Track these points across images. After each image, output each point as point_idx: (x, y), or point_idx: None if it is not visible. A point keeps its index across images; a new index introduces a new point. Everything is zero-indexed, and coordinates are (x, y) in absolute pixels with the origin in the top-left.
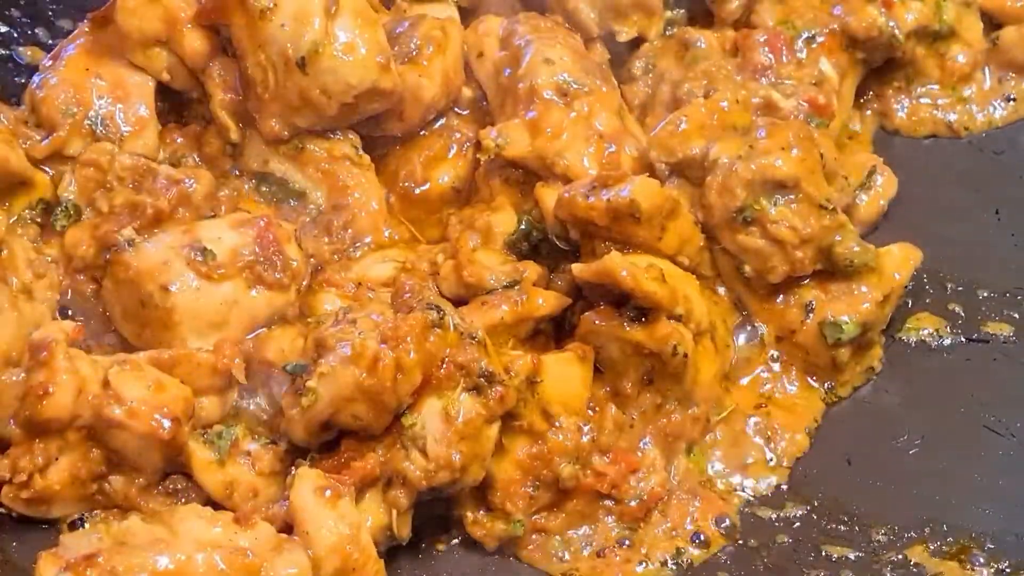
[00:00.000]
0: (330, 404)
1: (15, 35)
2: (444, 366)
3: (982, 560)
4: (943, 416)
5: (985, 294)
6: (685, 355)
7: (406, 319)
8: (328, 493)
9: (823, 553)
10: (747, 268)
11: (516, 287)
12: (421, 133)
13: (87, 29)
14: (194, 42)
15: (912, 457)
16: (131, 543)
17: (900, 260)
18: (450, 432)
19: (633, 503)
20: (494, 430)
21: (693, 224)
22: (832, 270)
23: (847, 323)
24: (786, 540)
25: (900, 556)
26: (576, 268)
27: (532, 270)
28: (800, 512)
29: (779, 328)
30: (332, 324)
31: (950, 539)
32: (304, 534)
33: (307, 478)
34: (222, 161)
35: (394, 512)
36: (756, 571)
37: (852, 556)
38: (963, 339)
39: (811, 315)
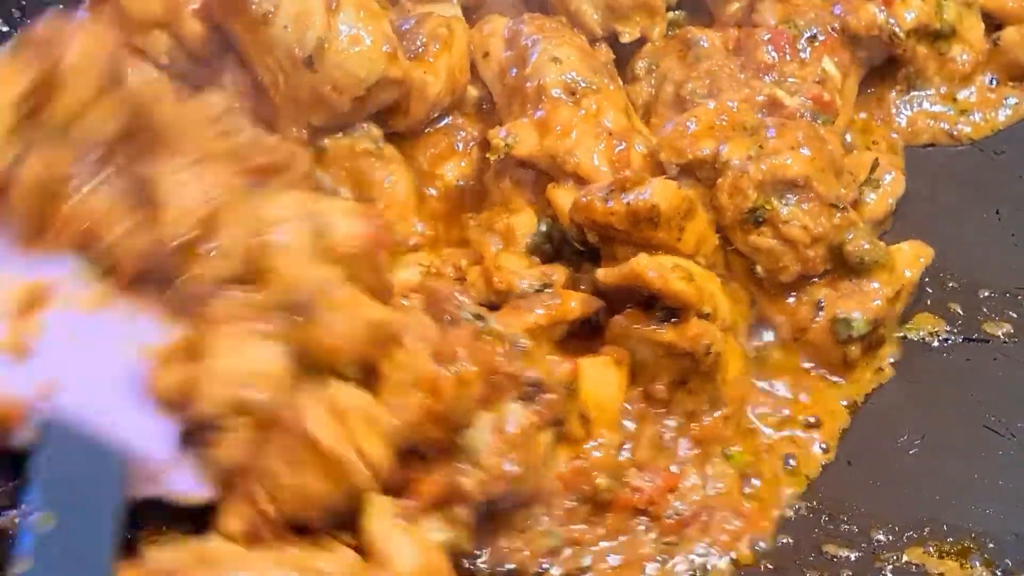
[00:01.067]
0: (402, 433)
1: (15, 35)
2: (494, 377)
3: (982, 560)
4: (943, 416)
5: (985, 294)
6: (718, 354)
7: (454, 333)
8: (402, 519)
9: (823, 553)
10: (759, 268)
11: (548, 290)
12: (426, 131)
13: (87, 9)
14: (194, 26)
15: (912, 457)
16: (210, 561)
17: (911, 257)
18: (502, 443)
19: (670, 519)
20: (546, 437)
21: (708, 224)
22: (843, 268)
23: (857, 320)
24: (786, 540)
25: (900, 556)
26: (601, 273)
27: (560, 273)
28: (800, 512)
29: (791, 327)
30: None
31: (950, 539)
32: (384, 561)
33: (380, 505)
34: None
35: (457, 529)
36: (756, 571)
37: (852, 556)
38: (963, 339)
39: (822, 313)
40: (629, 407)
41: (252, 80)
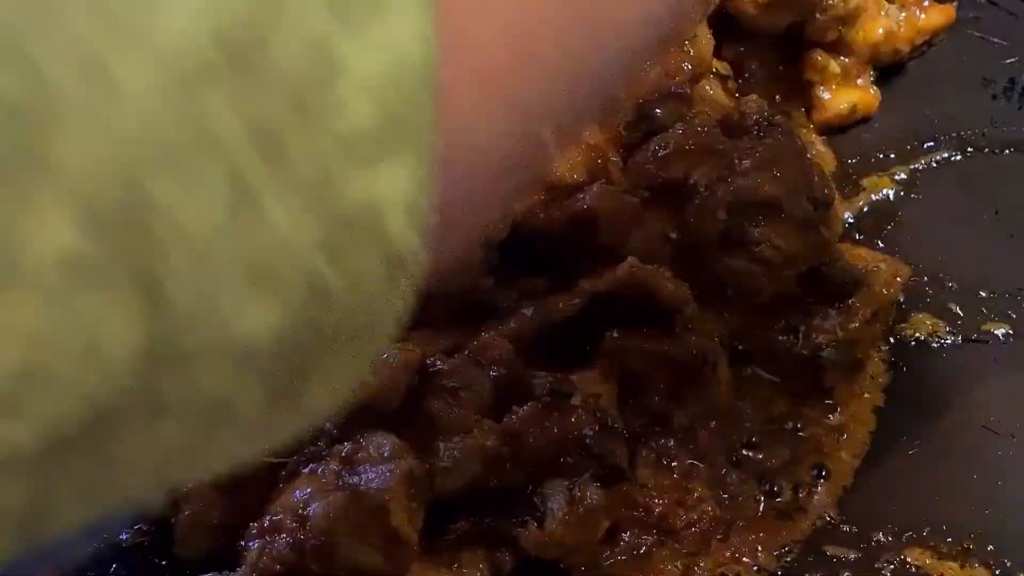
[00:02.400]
0: (453, 492)
1: None
2: (577, 453)
3: (982, 561)
4: (942, 416)
5: (985, 294)
6: (715, 364)
7: (523, 417)
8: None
9: (823, 553)
10: (730, 291)
11: (526, 300)
12: None
13: None
14: None
15: (912, 457)
16: None
17: (887, 276)
18: (570, 515)
19: (688, 533)
20: (606, 523)
21: (661, 235)
22: (817, 291)
23: (828, 348)
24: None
25: (900, 557)
26: (588, 283)
27: (532, 283)
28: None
29: (765, 353)
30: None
31: (949, 539)
32: None
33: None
34: None
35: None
36: None
37: (852, 557)
38: (962, 340)
39: (797, 339)
40: (603, 406)
41: None
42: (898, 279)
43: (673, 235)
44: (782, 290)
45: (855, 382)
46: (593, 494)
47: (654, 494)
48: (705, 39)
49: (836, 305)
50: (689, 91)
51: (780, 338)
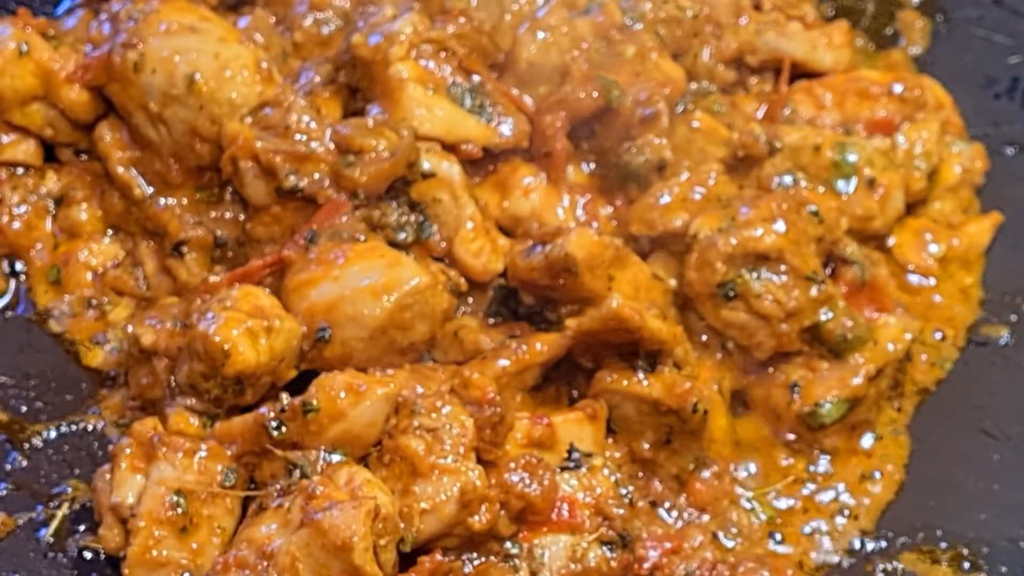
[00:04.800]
0: (429, 536)
1: None
2: (590, 518)
3: (976, 566)
4: (940, 420)
5: (984, 297)
6: (705, 412)
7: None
8: None
9: (816, 560)
10: (730, 344)
11: (513, 341)
12: None
13: None
14: (71, 93)
15: (908, 461)
16: None
17: (896, 331)
18: (568, 572)
19: None
20: None
21: (651, 276)
22: (821, 347)
23: (828, 406)
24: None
25: (893, 562)
26: (574, 322)
27: (524, 329)
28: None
29: (765, 411)
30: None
31: (943, 544)
32: None
33: None
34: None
35: None
36: None
37: (845, 563)
38: (962, 342)
39: (797, 397)
40: (617, 473)
41: (136, 136)
42: (907, 336)
43: (672, 283)
44: (783, 345)
45: (857, 446)
46: (597, 557)
47: (650, 544)
48: (668, 64)
49: (839, 361)
50: (664, 110)
51: (780, 392)
